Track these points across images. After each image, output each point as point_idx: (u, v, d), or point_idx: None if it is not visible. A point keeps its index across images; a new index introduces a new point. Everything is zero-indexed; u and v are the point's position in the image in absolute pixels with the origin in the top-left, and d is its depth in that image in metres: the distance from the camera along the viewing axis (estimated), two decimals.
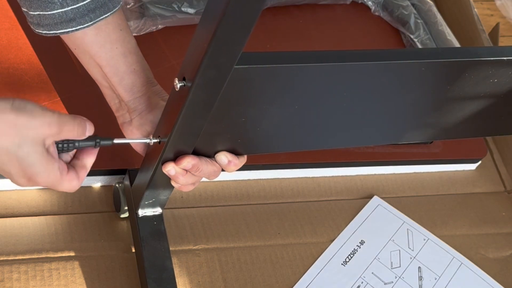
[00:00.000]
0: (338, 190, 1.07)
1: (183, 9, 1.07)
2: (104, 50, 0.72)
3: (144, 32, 1.06)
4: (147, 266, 0.82)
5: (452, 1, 1.31)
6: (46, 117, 0.61)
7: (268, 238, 0.97)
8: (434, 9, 1.24)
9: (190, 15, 1.08)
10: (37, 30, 0.72)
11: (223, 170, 0.74)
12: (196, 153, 0.71)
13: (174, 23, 1.08)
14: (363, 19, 1.25)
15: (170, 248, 0.89)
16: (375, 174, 1.10)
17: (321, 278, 0.95)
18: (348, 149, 1.07)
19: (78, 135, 0.65)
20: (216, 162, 0.73)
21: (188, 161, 0.70)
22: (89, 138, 0.66)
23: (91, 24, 0.71)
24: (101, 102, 0.80)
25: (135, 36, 1.04)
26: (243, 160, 0.74)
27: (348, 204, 1.05)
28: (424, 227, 1.04)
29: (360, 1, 1.26)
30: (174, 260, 0.90)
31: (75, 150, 0.68)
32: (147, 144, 0.75)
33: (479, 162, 1.17)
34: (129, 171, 0.87)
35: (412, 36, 1.21)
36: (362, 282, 0.95)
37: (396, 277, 0.97)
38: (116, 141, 0.69)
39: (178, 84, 0.60)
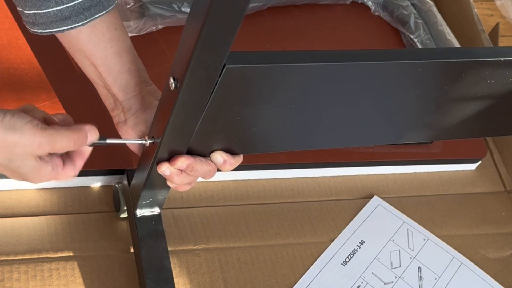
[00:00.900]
0: (338, 190, 1.07)
1: (183, 9, 1.07)
2: (99, 49, 0.73)
3: (144, 32, 1.06)
4: (145, 266, 0.82)
5: (452, 1, 1.31)
6: (36, 137, 0.60)
7: (268, 238, 0.97)
8: (434, 9, 1.24)
9: None
10: (32, 30, 0.72)
11: (219, 170, 0.74)
12: (191, 152, 0.71)
13: (174, 23, 1.08)
14: (363, 19, 1.25)
15: (170, 248, 0.90)
16: (375, 174, 1.10)
17: (321, 278, 0.95)
18: (348, 149, 1.07)
19: (74, 148, 0.64)
20: (212, 161, 0.73)
21: (183, 161, 0.70)
22: None
23: (86, 23, 0.71)
24: (100, 102, 0.80)
25: (135, 36, 1.05)
26: (239, 159, 0.74)
27: (348, 204, 1.05)
28: (424, 227, 1.04)
29: (360, 1, 1.26)
30: (174, 260, 0.90)
31: None
32: (143, 144, 0.75)
33: (479, 162, 1.17)
34: (127, 171, 0.87)
35: (412, 36, 1.21)
36: (362, 282, 0.95)
37: (396, 277, 0.97)
38: (109, 141, 0.69)
39: (173, 84, 0.60)
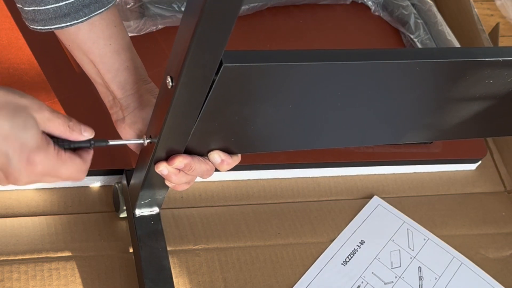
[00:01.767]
0: (338, 190, 1.07)
1: (183, 9, 1.07)
2: (98, 46, 0.73)
3: (144, 32, 1.06)
4: (144, 265, 0.82)
5: (452, 1, 1.31)
6: (36, 100, 0.62)
7: (268, 238, 0.97)
8: (434, 9, 1.24)
9: None
10: (31, 26, 0.73)
11: (216, 170, 0.74)
12: (189, 151, 0.71)
13: (174, 23, 1.08)
14: (363, 19, 1.25)
15: (170, 248, 0.90)
16: (375, 174, 1.10)
17: (321, 278, 0.95)
18: (348, 149, 1.07)
19: (65, 133, 0.64)
20: (209, 161, 0.72)
21: (180, 161, 0.70)
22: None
23: (85, 20, 0.71)
24: (99, 102, 0.80)
25: (135, 36, 1.05)
26: (236, 159, 0.74)
27: (348, 204, 1.05)
28: (424, 227, 1.04)
29: (360, 1, 1.26)
30: (174, 260, 0.90)
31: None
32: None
33: (479, 162, 1.16)
34: (125, 171, 0.87)
35: (412, 36, 1.20)
36: (362, 282, 0.95)
37: (396, 277, 0.97)
38: (111, 142, 0.69)
39: (170, 82, 0.60)
